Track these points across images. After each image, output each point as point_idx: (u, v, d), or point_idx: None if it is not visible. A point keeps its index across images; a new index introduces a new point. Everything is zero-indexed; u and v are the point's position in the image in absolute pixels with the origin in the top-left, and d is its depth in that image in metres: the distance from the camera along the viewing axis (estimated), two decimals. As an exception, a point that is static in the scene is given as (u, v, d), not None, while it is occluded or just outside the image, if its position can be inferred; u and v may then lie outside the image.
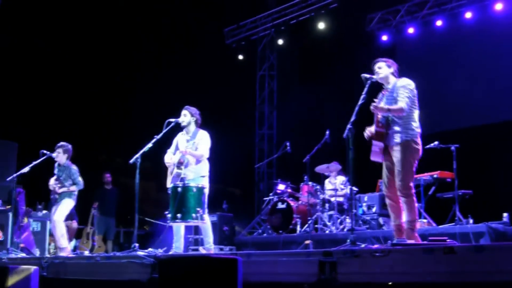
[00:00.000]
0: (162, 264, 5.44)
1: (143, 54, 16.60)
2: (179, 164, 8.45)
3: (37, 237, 11.73)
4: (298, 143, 12.62)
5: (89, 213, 13.32)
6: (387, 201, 6.97)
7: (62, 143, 10.21)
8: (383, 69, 7.02)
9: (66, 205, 9.93)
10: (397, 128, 6.75)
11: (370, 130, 6.98)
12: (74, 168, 10.12)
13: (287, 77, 17.21)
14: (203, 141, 8.59)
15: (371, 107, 6.73)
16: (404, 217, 6.72)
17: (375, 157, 6.93)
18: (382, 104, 6.76)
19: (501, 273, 4.37)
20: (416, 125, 6.81)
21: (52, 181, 10.02)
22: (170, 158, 8.67)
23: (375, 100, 6.78)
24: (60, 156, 10.10)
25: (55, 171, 10.11)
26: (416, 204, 6.76)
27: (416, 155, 6.77)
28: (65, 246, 9.83)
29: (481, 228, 8.81)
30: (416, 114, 6.83)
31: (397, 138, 6.73)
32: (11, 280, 6.17)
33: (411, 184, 6.69)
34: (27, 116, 14.79)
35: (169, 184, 8.49)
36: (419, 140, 6.79)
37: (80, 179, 10.06)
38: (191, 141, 8.60)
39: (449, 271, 4.61)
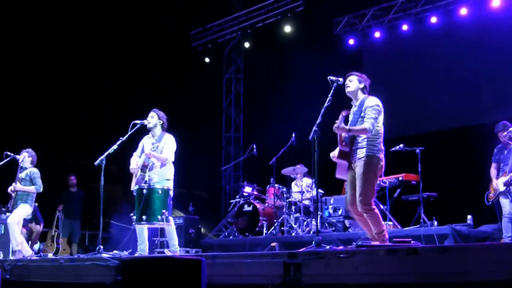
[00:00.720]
0: (126, 265, 5.39)
1: (109, 56, 16.46)
2: (144, 167, 8.41)
3: (1, 240, 11.55)
4: (265, 146, 12.62)
5: (54, 215, 13.17)
6: (355, 216, 6.96)
7: (28, 149, 10.17)
8: (354, 83, 6.97)
9: (22, 210, 9.86)
10: (361, 144, 6.76)
11: (334, 152, 6.98)
12: (36, 170, 10.05)
13: (254, 80, 17.25)
14: (168, 144, 8.57)
15: (334, 128, 6.70)
16: (373, 229, 6.75)
17: (340, 175, 6.98)
18: (343, 125, 6.70)
19: (464, 274, 4.41)
20: (379, 142, 6.81)
21: (11, 188, 9.94)
22: (135, 162, 8.63)
23: (336, 121, 6.74)
24: (25, 159, 10.03)
25: (18, 174, 10.01)
26: (379, 215, 6.78)
27: (378, 172, 6.79)
28: (27, 253, 9.74)
29: (446, 230, 8.91)
30: (381, 131, 6.84)
31: (361, 154, 6.71)
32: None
33: (372, 201, 6.68)
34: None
35: (133, 187, 8.45)
36: (382, 157, 6.78)
37: (40, 182, 9.99)
38: (155, 144, 8.56)
39: (413, 272, 4.63)
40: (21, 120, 15.23)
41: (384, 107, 6.85)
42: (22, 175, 10.00)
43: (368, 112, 6.73)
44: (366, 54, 14.90)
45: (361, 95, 6.97)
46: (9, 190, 9.92)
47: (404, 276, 4.66)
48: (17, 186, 9.85)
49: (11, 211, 9.89)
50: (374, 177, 6.77)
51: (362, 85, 6.98)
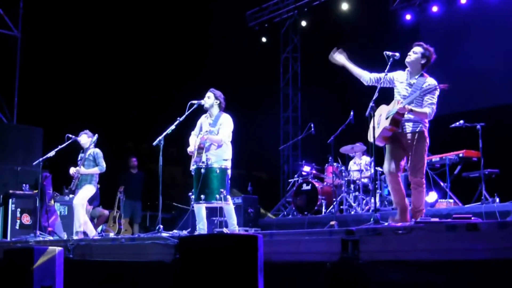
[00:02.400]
0: (183, 243, 5.45)
1: (166, 40, 16.62)
2: (200, 149, 8.45)
3: (64, 221, 11.84)
4: (323, 125, 12.57)
5: (115, 197, 13.41)
6: (389, 185, 7.00)
7: (86, 130, 10.32)
8: (417, 55, 6.88)
9: (86, 191, 10.00)
10: (415, 118, 6.73)
11: (382, 116, 6.94)
12: (98, 151, 10.18)
13: (311, 58, 17.08)
14: (224, 125, 8.56)
15: (400, 106, 6.64)
16: (415, 206, 6.78)
17: (379, 142, 6.93)
18: (412, 106, 6.65)
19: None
20: (429, 121, 6.84)
21: (72, 169, 10.09)
22: (193, 142, 8.69)
23: (402, 100, 6.69)
24: (85, 139, 10.17)
25: (80, 156, 10.18)
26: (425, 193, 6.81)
27: (427, 147, 6.85)
28: (91, 233, 9.94)
29: (508, 207, 8.73)
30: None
31: (417, 127, 6.73)
32: (37, 262, 6.23)
33: (424, 173, 6.74)
34: (53, 101, 14.90)
35: (191, 167, 8.52)
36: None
37: (103, 162, 10.10)
38: (211, 127, 8.58)
39: (472, 248, 4.54)
40: (82, 105, 15.53)
41: (444, 83, 6.75)
42: (83, 156, 10.14)
43: (430, 97, 6.69)
44: (423, 29, 14.61)
45: (418, 71, 6.89)
46: (71, 172, 10.07)
47: (464, 252, 4.57)
48: (81, 170, 9.98)
49: (74, 193, 10.07)
50: (426, 152, 6.84)
51: (423, 61, 6.88)
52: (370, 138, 6.95)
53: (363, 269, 5.06)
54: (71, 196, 10.63)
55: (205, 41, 16.65)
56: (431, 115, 6.65)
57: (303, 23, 17.08)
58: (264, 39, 17.69)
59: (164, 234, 7.42)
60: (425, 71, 6.91)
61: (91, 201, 11.21)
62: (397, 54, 6.93)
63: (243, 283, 4.52)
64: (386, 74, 6.86)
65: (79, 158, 10.17)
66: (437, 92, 6.72)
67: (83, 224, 9.84)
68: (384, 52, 6.94)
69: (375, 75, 7.17)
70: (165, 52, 16.72)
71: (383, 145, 6.98)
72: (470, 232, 4.60)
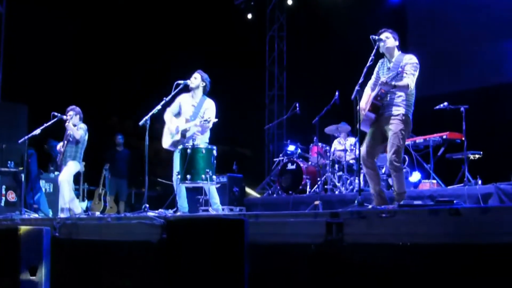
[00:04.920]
0: (170, 224, 5.51)
1: (150, 16, 16.54)
2: (184, 132, 8.50)
3: (49, 198, 11.86)
4: (308, 104, 12.62)
5: (100, 174, 13.43)
6: (365, 169, 7.14)
7: (72, 106, 10.27)
8: (390, 40, 7.03)
9: (71, 167, 10.00)
10: (397, 101, 6.83)
11: (362, 103, 7.06)
12: (83, 125, 10.18)
13: (297, 37, 17.10)
14: (210, 110, 8.62)
15: (380, 82, 6.73)
16: (396, 189, 6.89)
17: (364, 127, 7.03)
18: (392, 81, 6.74)
19: (506, 234, 4.40)
20: (413, 103, 6.94)
21: (59, 146, 10.11)
22: (170, 120, 8.70)
23: (385, 76, 6.78)
24: (74, 118, 10.15)
25: (66, 132, 10.16)
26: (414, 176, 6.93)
27: (409, 131, 6.99)
28: (77, 210, 9.97)
29: (490, 189, 8.79)
30: (414, 92, 6.91)
31: (398, 111, 6.82)
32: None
33: (401, 158, 6.83)
34: (37, 78, 14.82)
35: (165, 145, 8.57)
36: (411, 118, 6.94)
37: (83, 133, 10.12)
38: (197, 110, 8.60)
39: (455, 232, 4.63)
40: (67, 81, 15.46)
41: (428, 63, 6.83)
42: (70, 132, 10.12)
43: (408, 69, 6.81)
44: (409, 10, 14.60)
45: (396, 52, 7.06)
46: (58, 147, 10.11)
47: (446, 237, 4.66)
48: (63, 145, 10.02)
49: (59, 167, 10.10)
50: (407, 136, 7.02)
51: (397, 43, 7.06)
52: (357, 123, 7.02)
53: (347, 251, 5.14)
54: (56, 173, 10.64)
55: (191, 17, 16.56)
56: (410, 87, 6.74)
57: (289, 2, 16.99)
58: (249, 16, 17.60)
59: (150, 214, 7.46)
60: (401, 51, 7.05)
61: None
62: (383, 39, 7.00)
63: (229, 265, 4.60)
64: (372, 59, 6.90)
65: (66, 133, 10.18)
66: (416, 65, 6.84)
67: (68, 201, 9.85)
68: (370, 36, 6.99)
69: (371, 80, 7.27)
70: (149, 28, 16.64)
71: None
72: (452, 217, 4.67)
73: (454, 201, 5.72)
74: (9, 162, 11.28)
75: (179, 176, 8.30)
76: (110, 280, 7.03)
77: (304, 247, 5.37)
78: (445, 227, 4.70)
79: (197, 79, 8.73)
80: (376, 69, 7.22)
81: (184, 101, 8.79)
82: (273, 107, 17.62)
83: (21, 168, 11.03)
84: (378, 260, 4.94)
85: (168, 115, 8.76)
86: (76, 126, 10.09)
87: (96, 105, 15.41)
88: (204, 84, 8.75)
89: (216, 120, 8.53)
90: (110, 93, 16.72)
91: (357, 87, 6.74)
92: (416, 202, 6.15)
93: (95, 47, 16.11)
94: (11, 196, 10.97)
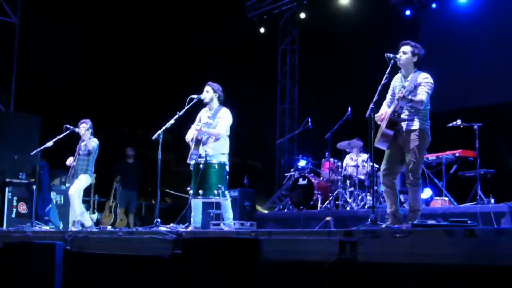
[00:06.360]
0: (184, 241, 5.51)
1: (165, 29, 16.60)
2: (197, 142, 8.48)
3: (60, 210, 11.88)
4: (320, 118, 12.60)
5: (111, 186, 13.44)
6: (384, 188, 7.06)
7: (85, 119, 10.31)
8: (407, 56, 6.93)
9: (82, 180, 10.03)
10: (412, 117, 6.80)
11: (381, 117, 6.99)
12: (95, 140, 10.23)
13: (309, 51, 17.09)
14: (222, 119, 8.59)
15: (397, 97, 6.69)
16: (411, 205, 6.86)
17: (381, 144, 6.98)
18: (408, 96, 6.70)
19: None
20: (428, 118, 6.90)
21: (69, 160, 10.14)
22: (191, 134, 8.71)
23: (402, 90, 6.73)
24: (83, 130, 10.19)
25: (79, 145, 10.20)
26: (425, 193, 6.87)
27: (426, 146, 6.94)
28: (88, 225, 9.99)
29: (503, 208, 8.75)
30: (429, 107, 6.88)
31: (414, 126, 6.77)
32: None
33: (420, 173, 6.80)
34: (50, 89, 14.90)
35: (189, 161, 8.55)
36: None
37: (97, 148, 10.18)
38: (210, 120, 8.60)
39: (469, 253, 4.58)
40: (80, 93, 15.53)
41: (441, 79, 6.82)
42: (83, 146, 10.17)
43: (423, 86, 6.73)
44: (422, 25, 14.61)
45: (412, 69, 6.97)
46: (68, 162, 10.13)
47: (460, 258, 4.61)
48: (74, 159, 10.06)
49: (71, 181, 10.12)
50: (424, 151, 6.96)
51: (415, 59, 6.95)
52: (374, 142, 6.97)
53: (360, 270, 5.11)
54: (67, 185, 10.66)
55: (204, 30, 16.61)
56: (426, 103, 6.70)
57: (302, 15, 16.97)
58: (262, 30, 17.61)
59: (162, 229, 7.46)
60: (417, 68, 6.98)
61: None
62: (398, 56, 6.96)
63: (243, 285, 4.59)
64: (387, 77, 6.86)
65: (78, 149, 10.21)
66: (431, 84, 6.78)
67: (79, 215, 9.88)
68: (385, 54, 6.94)
69: (387, 98, 7.22)
70: (162, 40, 16.71)
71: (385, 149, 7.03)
72: (467, 238, 4.64)
73: (468, 221, 5.71)
74: (21, 173, 11.32)
75: (191, 191, 8.30)
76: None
77: (317, 265, 5.33)
78: (460, 248, 4.65)
79: (209, 92, 8.72)
80: (392, 85, 7.15)
81: (203, 115, 8.81)
82: (284, 120, 17.60)
83: (32, 180, 11.06)
84: (391, 280, 4.90)
85: (190, 131, 8.75)
86: (83, 140, 10.15)
87: (107, 117, 15.47)
88: (217, 95, 8.74)
89: (229, 122, 8.55)
90: (122, 105, 16.77)
91: (371, 105, 6.71)
92: (430, 222, 6.13)
93: (108, 59, 16.17)
94: (22, 208, 11.00)
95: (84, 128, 10.13)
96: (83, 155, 10.07)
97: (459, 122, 9.91)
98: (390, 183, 6.95)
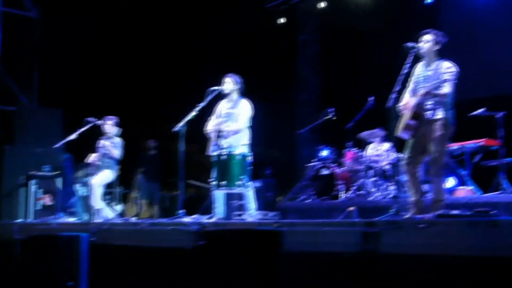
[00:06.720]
0: (206, 234, 5.56)
1: (183, 21, 16.65)
2: (218, 134, 8.54)
3: (85, 202, 11.98)
4: (341, 109, 12.58)
5: (134, 178, 13.54)
6: (408, 177, 7.06)
7: (112, 116, 10.46)
8: (428, 45, 6.91)
9: (105, 174, 10.15)
10: (437, 105, 6.76)
11: (405, 107, 6.95)
12: (119, 140, 10.40)
13: (329, 41, 17.02)
14: (243, 112, 8.65)
15: (422, 93, 6.67)
16: (434, 195, 6.84)
17: (404, 134, 6.97)
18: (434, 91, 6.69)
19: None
20: (452, 107, 6.86)
21: (91, 157, 10.27)
22: (211, 125, 8.75)
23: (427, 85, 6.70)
24: (109, 127, 10.30)
25: (101, 141, 10.33)
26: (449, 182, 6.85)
27: (450, 134, 6.90)
28: (111, 216, 10.14)
29: (526, 197, 8.72)
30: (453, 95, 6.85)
31: (439, 115, 6.74)
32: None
33: (444, 163, 6.83)
34: (72, 83, 15.04)
35: (211, 152, 8.59)
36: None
37: (121, 151, 10.34)
38: (231, 109, 8.64)
39: (492, 245, 4.59)
40: (101, 86, 15.64)
41: (464, 67, 6.77)
42: (106, 143, 10.28)
43: (447, 76, 6.70)
44: (443, 12, 14.42)
45: (434, 58, 6.96)
46: (89, 159, 10.27)
47: (483, 249, 4.63)
48: (97, 156, 10.18)
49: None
50: (448, 141, 6.92)
51: (436, 47, 6.93)
52: (397, 131, 6.98)
53: (382, 261, 5.13)
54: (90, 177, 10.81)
55: (223, 21, 16.61)
56: (450, 94, 6.71)
57: (321, 5, 16.89)
58: (281, 20, 17.54)
59: (186, 220, 7.53)
60: (440, 57, 6.96)
61: None
62: (418, 45, 6.94)
63: (265, 276, 4.63)
64: (409, 67, 6.85)
65: (100, 145, 10.31)
66: (455, 72, 6.76)
67: (99, 208, 10.04)
68: (404, 44, 6.93)
69: (410, 86, 7.17)
70: (183, 32, 16.76)
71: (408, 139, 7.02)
72: (491, 229, 4.64)
73: (492, 212, 5.67)
74: (45, 166, 11.44)
75: (214, 183, 8.35)
76: (146, 286, 7.07)
77: (340, 256, 5.38)
78: (483, 239, 4.66)
79: (229, 84, 8.78)
80: (415, 73, 7.12)
81: (223, 107, 8.87)
82: (305, 110, 17.56)
83: (57, 173, 11.18)
84: (414, 271, 4.92)
85: (210, 123, 8.82)
86: (111, 139, 10.23)
87: (129, 109, 15.53)
88: (237, 87, 8.79)
89: (249, 115, 8.61)
90: (144, 97, 16.86)
91: (393, 95, 6.72)
92: (453, 212, 6.10)
93: (131, 50, 16.27)
94: (48, 200, 11.12)
95: (109, 125, 10.26)
96: (107, 156, 10.22)
97: (482, 110, 9.83)
98: (412, 172, 6.96)
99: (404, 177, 7.22)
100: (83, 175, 11.24)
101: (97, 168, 10.15)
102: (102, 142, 10.35)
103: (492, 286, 4.46)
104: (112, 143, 10.27)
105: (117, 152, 10.21)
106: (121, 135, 10.46)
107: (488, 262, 4.53)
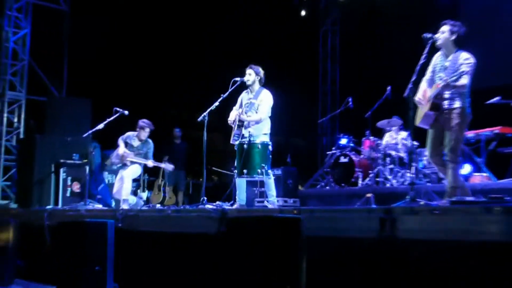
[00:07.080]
0: (228, 220, 5.72)
1: (207, 12, 16.81)
2: (240, 122, 8.77)
3: (112, 189, 12.24)
4: (360, 98, 12.76)
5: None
6: (436, 166, 7.24)
7: (148, 121, 10.97)
8: (444, 35, 7.01)
9: (136, 168, 10.80)
10: (453, 95, 6.89)
11: (422, 96, 7.10)
12: (151, 144, 11.03)
13: (350, 32, 17.13)
14: (264, 102, 8.87)
15: (441, 85, 6.81)
16: (450, 182, 6.94)
17: (423, 124, 7.12)
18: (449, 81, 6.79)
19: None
20: (469, 96, 6.97)
21: (123, 149, 10.63)
22: (233, 115, 8.99)
23: (445, 77, 6.84)
24: (143, 133, 10.81)
25: (131, 142, 10.86)
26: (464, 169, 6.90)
27: (467, 123, 7.01)
28: (133, 202, 10.54)
29: (542, 183, 8.79)
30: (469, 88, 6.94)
31: (455, 104, 6.86)
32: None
33: (459, 151, 6.89)
34: (100, 74, 15.34)
35: (233, 141, 8.83)
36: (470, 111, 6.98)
37: (152, 158, 10.98)
38: (253, 99, 8.86)
39: (508, 230, 4.63)
40: (128, 76, 15.88)
41: (480, 56, 6.88)
42: (138, 146, 10.70)
43: (464, 68, 6.79)
44: (462, 2, 14.51)
45: (452, 48, 7.04)
46: (120, 152, 10.68)
47: (499, 235, 4.67)
48: (130, 156, 10.77)
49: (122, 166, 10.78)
50: (465, 129, 7.04)
51: (454, 37, 7.01)
52: (416, 121, 7.13)
53: (399, 247, 5.18)
54: (119, 165, 11.11)
55: (246, 14, 16.76)
56: (468, 86, 6.80)
57: (342, -3, 17.01)
58: (303, 13, 17.67)
59: (209, 206, 7.75)
60: (458, 47, 7.04)
61: None
62: (436, 36, 7.05)
63: (285, 261, 4.78)
64: (425, 57, 6.99)
65: (132, 143, 10.71)
66: (472, 64, 6.83)
67: (126, 196, 10.43)
68: (423, 35, 7.05)
69: (427, 75, 7.30)
70: (206, 26, 16.92)
71: (428, 129, 7.17)
72: (506, 215, 4.66)
73: (506, 198, 5.79)
74: (74, 154, 11.67)
75: (236, 171, 8.59)
76: (170, 271, 7.26)
77: (357, 242, 5.47)
78: (498, 225, 4.69)
79: (251, 75, 8.98)
80: (432, 63, 7.22)
81: (244, 97, 9.13)
82: (326, 100, 17.74)
83: (85, 160, 11.43)
84: (430, 257, 4.97)
85: (232, 113, 9.09)
86: (146, 145, 10.86)
87: (155, 99, 15.82)
88: (259, 77, 9.00)
89: (270, 104, 8.84)
90: (169, 87, 17.10)
91: (410, 85, 6.85)
92: (468, 199, 6.22)
93: (156, 42, 16.47)
94: (76, 187, 11.37)
95: (145, 131, 10.92)
96: (137, 155, 10.76)
97: (498, 98, 9.92)
98: (439, 162, 7.09)
99: (421, 165, 7.32)
100: (111, 163, 11.50)
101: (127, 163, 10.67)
102: (137, 144, 10.89)
103: (506, 272, 4.51)
104: (147, 150, 10.92)
105: (149, 163, 10.80)
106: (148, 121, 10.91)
107: (503, 248, 4.56)
